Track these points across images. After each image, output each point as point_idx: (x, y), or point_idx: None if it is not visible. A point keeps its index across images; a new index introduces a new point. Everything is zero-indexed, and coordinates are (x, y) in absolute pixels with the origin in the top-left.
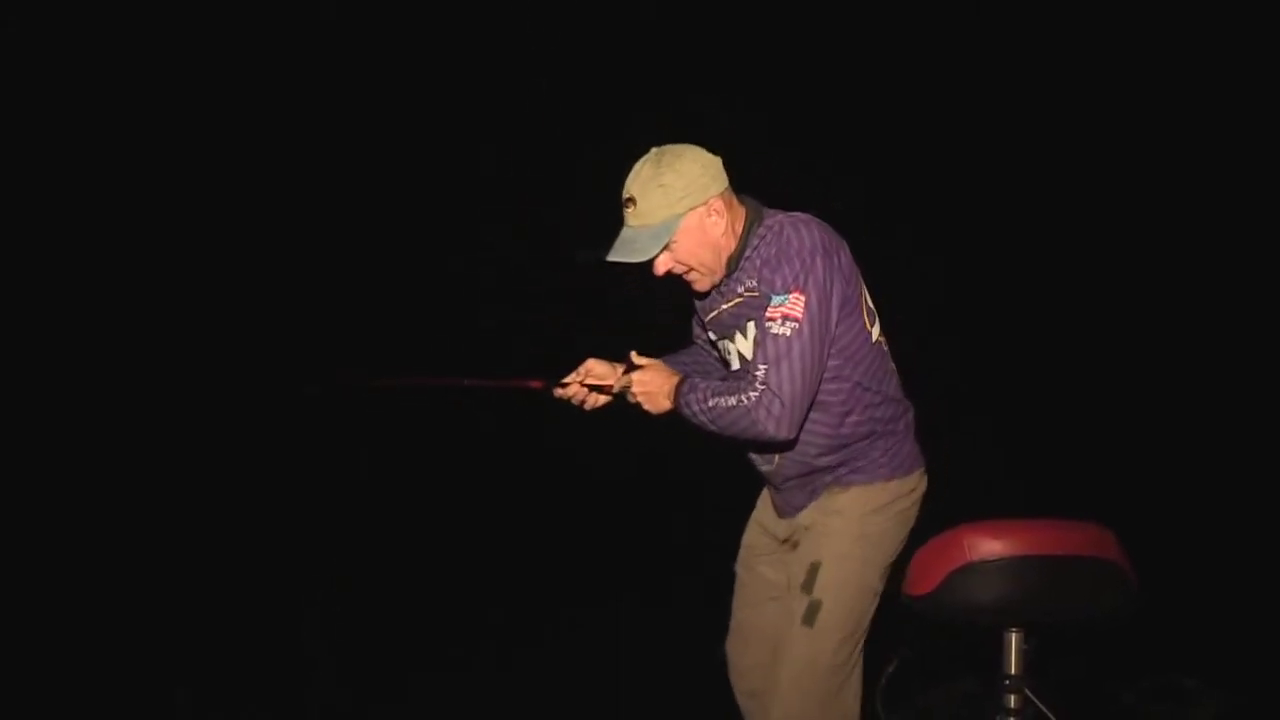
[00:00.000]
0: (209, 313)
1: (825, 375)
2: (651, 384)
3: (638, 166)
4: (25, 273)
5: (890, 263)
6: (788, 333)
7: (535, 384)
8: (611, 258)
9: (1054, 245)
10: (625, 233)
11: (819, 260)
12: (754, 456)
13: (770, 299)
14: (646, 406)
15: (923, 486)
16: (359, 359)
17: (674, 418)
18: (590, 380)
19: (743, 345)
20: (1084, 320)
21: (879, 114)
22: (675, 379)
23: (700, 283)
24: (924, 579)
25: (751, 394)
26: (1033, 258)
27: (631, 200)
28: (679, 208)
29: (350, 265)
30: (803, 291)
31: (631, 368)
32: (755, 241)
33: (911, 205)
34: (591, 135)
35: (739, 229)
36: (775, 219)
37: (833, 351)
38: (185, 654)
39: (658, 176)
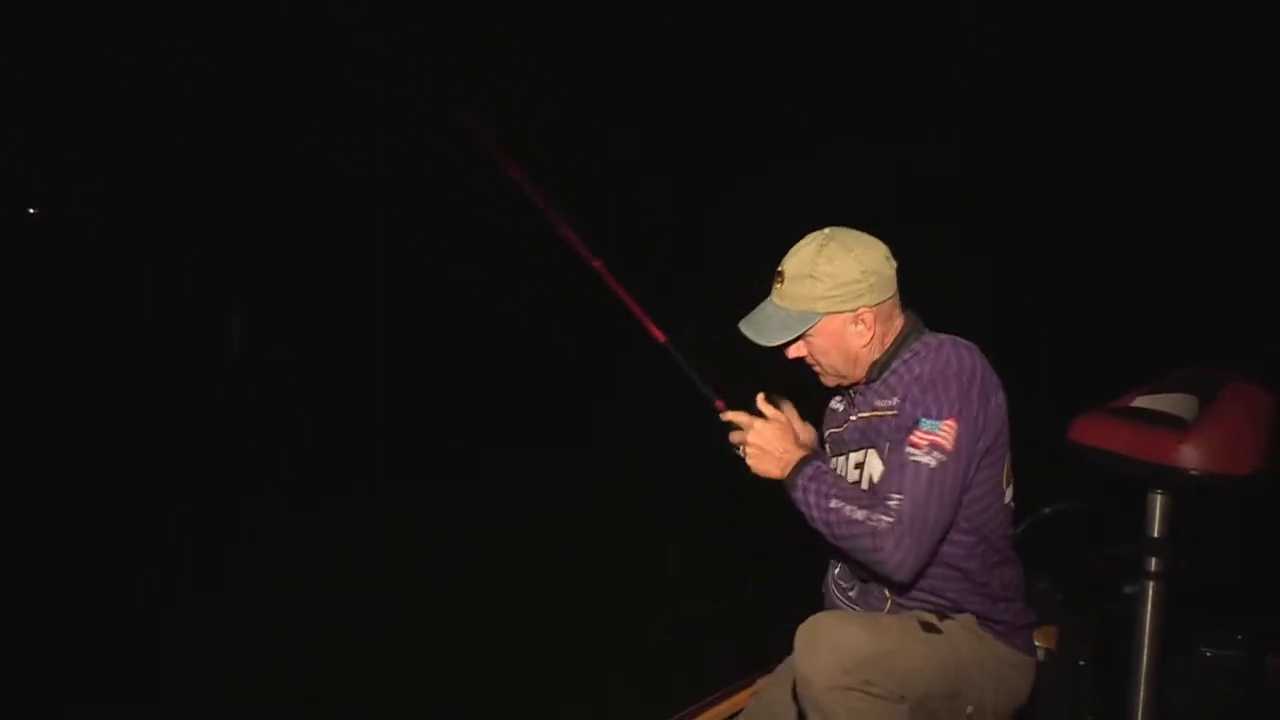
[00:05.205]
0: None
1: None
2: (769, 444)
3: (803, 242)
4: None
5: None
6: (933, 464)
7: (719, 402)
8: (742, 326)
9: None
10: (766, 306)
11: (975, 391)
12: (840, 579)
13: (919, 422)
14: (753, 464)
15: (1028, 675)
16: None
17: (775, 485)
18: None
19: (874, 467)
20: None
21: None
22: (798, 453)
23: (825, 379)
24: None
25: (884, 519)
26: None
27: (781, 275)
28: (820, 307)
29: None
30: (957, 420)
31: (756, 414)
32: (906, 355)
33: None
34: None
35: (890, 340)
36: (936, 337)
37: (965, 500)
38: None
39: (814, 264)
